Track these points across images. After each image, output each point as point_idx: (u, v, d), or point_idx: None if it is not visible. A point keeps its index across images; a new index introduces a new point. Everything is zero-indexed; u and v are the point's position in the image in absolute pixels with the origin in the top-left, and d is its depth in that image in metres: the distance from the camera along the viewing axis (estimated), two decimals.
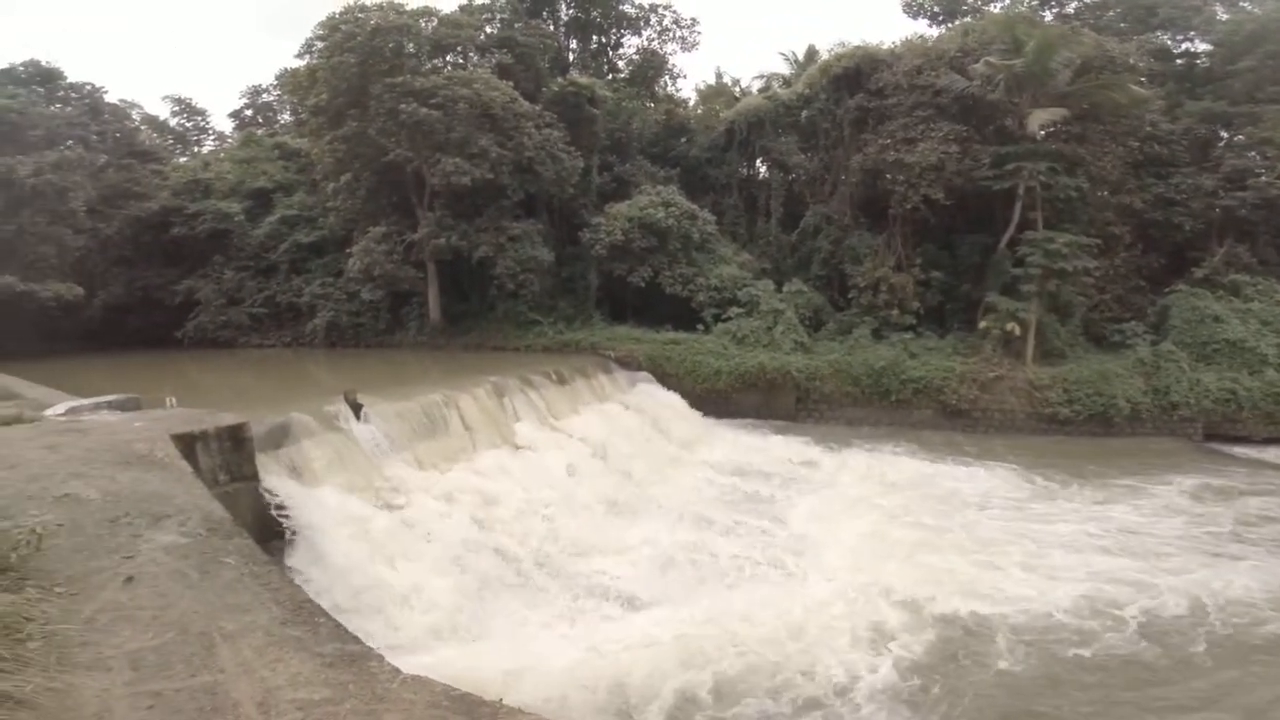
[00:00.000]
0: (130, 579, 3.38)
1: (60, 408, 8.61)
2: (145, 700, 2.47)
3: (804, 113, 25.62)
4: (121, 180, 27.66)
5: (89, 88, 28.31)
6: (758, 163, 28.42)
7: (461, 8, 26.16)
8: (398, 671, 2.83)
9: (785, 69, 31.33)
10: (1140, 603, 9.34)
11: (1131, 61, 21.46)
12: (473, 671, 6.95)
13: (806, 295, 23.39)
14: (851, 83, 23.54)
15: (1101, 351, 20.77)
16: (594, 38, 30.07)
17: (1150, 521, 12.71)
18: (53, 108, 26.39)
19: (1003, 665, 8.03)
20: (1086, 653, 8.30)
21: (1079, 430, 18.94)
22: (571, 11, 28.76)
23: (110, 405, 8.83)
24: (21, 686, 2.36)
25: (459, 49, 25.08)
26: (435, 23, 23.92)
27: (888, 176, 21.55)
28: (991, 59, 20.13)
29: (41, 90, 26.40)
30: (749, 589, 9.93)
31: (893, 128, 21.73)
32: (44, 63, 26.97)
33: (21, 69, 26.29)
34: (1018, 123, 20.57)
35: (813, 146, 25.83)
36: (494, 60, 24.25)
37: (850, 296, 23.21)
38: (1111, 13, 25.24)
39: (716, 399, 20.53)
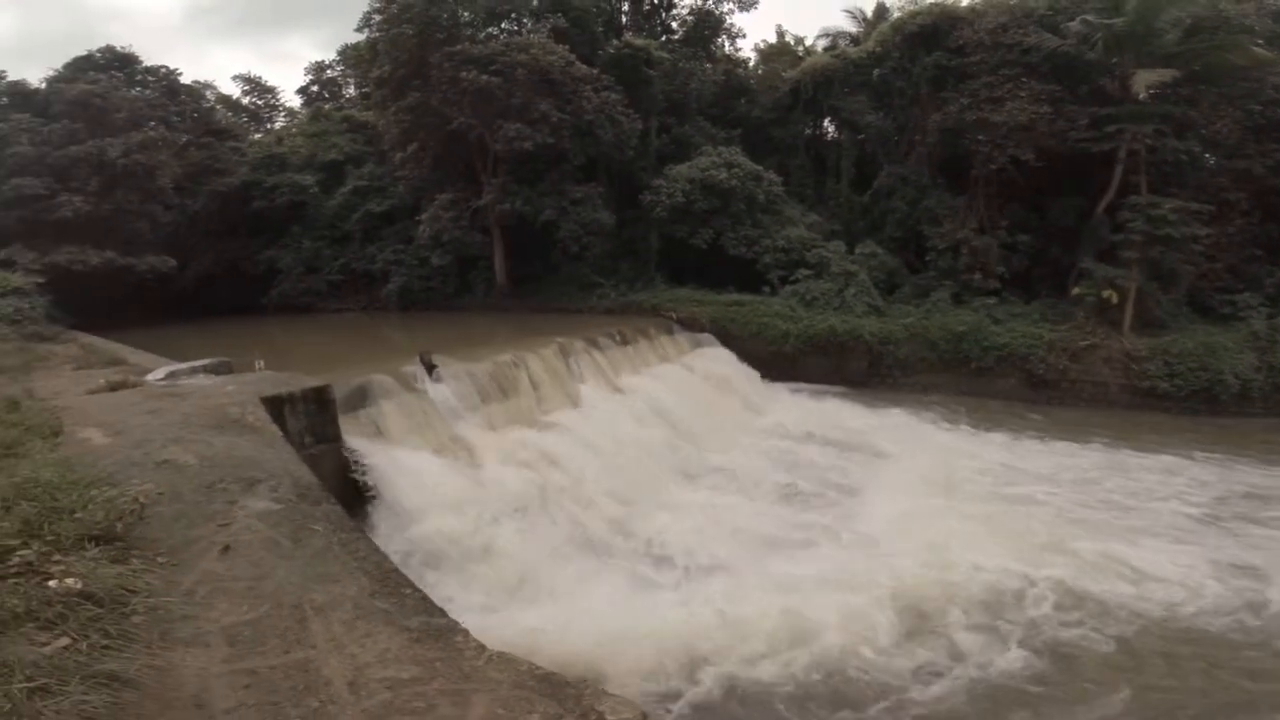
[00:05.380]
0: (227, 548, 3.48)
1: (160, 372, 9.13)
2: (242, 679, 2.51)
3: (876, 71, 24.73)
4: (203, 158, 28.80)
5: (164, 70, 28.88)
6: (826, 123, 27.55)
7: None
8: (483, 648, 2.80)
9: (852, 27, 29.95)
10: None
11: (1248, 23, 19.56)
12: (544, 634, 7.08)
13: (880, 257, 22.54)
14: (928, 40, 22.55)
15: (1209, 323, 19.07)
16: None
17: None
18: (133, 91, 27.03)
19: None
20: None
21: (1179, 407, 17.53)
22: None
23: (205, 369, 9.32)
24: (127, 665, 2.41)
25: (513, 15, 24.79)
26: None
27: (970, 137, 20.81)
28: (1089, 17, 19.10)
29: (121, 75, 26.95)
30: (807, 557, 9.71)
31: (975, 87, 20.84)
32: (119, 48, 27.57)
33: (99, 55, 26.93)
34: (1118, 84, 19.43)
35: (886, 106, 24.83)
36: (548, 25, 23.87)
37: (928, 259, 22.24)
38: None
39: (784, 362, 20.11)
